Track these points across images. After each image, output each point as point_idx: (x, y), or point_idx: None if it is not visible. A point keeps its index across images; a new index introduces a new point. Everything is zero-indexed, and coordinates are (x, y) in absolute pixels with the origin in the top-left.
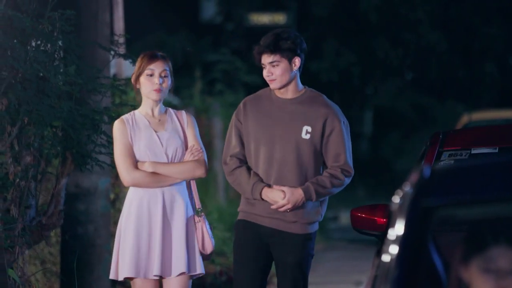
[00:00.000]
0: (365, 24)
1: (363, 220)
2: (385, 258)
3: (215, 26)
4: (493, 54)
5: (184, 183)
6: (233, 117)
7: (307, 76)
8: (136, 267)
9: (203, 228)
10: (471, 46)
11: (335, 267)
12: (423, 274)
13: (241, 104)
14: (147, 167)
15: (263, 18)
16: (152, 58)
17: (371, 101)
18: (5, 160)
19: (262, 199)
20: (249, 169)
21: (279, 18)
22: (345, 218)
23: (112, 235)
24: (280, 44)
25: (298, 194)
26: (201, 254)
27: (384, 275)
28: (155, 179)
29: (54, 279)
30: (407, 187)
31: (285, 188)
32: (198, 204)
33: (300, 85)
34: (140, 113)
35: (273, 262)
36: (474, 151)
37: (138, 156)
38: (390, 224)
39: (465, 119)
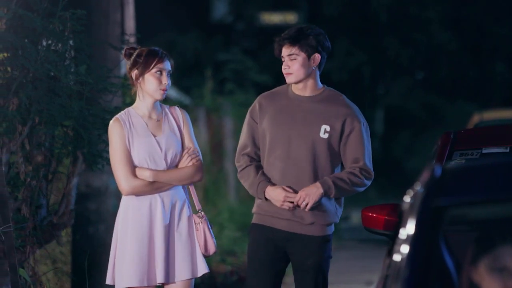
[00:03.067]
0: (376, 24)
1: (374, 219)
2: (396, 257)
3: (226, 26)
4: (503, 53)
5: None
6: (247, 115)
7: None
8: (138, 276)
9: (205, 229)
10: (481, 46)
11: (346, 267)
12: (434, 273)
13: (256, 102)
14: (148, 177)
15: (274, 18)
16: (162, 57)
17: (382, 100)
18: (16, 160)
19: (266, 199)
20: (258, 168)
21: (290, 17)
22: (356, 217)
23: None
24: (301, 37)
25: (315, 186)
26: (204, 255)
27: (395, 274)
28: (154, 186)
29: (65, 279)
30: (418, 187)
31: (291, 191)
32: (198, 206)
33: (320, 84)
34: (136, 113)
35: (290, 266)
36: (485, 151)
37: (136, 162)
38: (401, 223)
39: (476, 118)
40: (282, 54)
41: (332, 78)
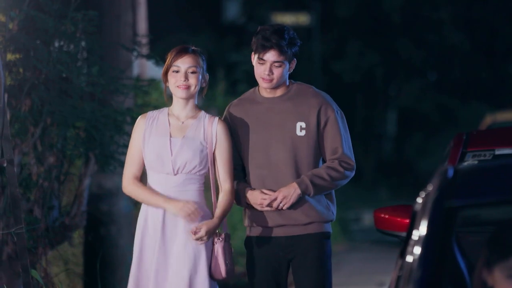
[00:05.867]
0: (388, 25)
1: (387, 221)
2: (408, 259)
3: (238, 27)
4: None
5: (199, 196)
6: None
7: (330, 77)
8: (134, 284)
9: (218, 252)
10: (494, 47)
11: (358, 268)
12: (446, 274)
13: (226, 113)
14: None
15: (286, 19)
16: (180, 54)
17: (394, 102)
18: (28, 161)
19: (248, 204)
20: (238, 177)
21: (303, 18)
22: (368, 219)
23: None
24: (289, 47)
25: (292, 186)
26: (214, 277)
27: (407, 276)
28: (145, 199)
29: (77, 280)
30: (431, 188)
31: (270, 192)
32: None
33: (287, 82)
34: (167, 112)
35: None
36: (498, 152)
37: (148, 160)
38: (413, 225)
39: (489, 119)
40: (265, 58)
41: (344, 79)
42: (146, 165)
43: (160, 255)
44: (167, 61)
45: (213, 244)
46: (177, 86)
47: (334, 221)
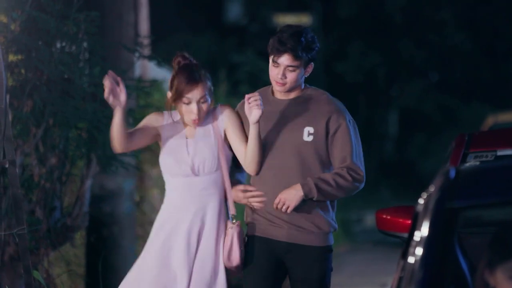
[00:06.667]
0: (390, 25)
1: (389, 222)
2: (410, 259)
3: (240, 27)
4: None
5: (219, 185)
6: None
7: (332, 77)
8: (148, 280)
9: (234, 236)
10: (496, 47)
11: (360, 269)
12: (448, 275)
13: (237, 108)
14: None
15: (288, 19)
16: (190, 85)
17: (396, 102)
18: (30, 162)
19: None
20: (232, 171)
21: (304, 19)
22: (370, 220)
23: (137, 237)
24: (305, 51)
25: (294, 188)
26: (226, 266)
27: (409, 276)
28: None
29: (79, 281)
30: (433, 189)
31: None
32: (232, 210)
33: (302, 85)
34: (177, 115)
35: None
36: (499, 153)
37: (168, 162)
38: (415, 225)
39: (491, 120)
40: (279, 61)
41: (347, 80)
42: (165, 169)
43: (188, 248)
44: (176, 87)
45: (226, 230)
46: (192, 120)
47: (335, 222)
